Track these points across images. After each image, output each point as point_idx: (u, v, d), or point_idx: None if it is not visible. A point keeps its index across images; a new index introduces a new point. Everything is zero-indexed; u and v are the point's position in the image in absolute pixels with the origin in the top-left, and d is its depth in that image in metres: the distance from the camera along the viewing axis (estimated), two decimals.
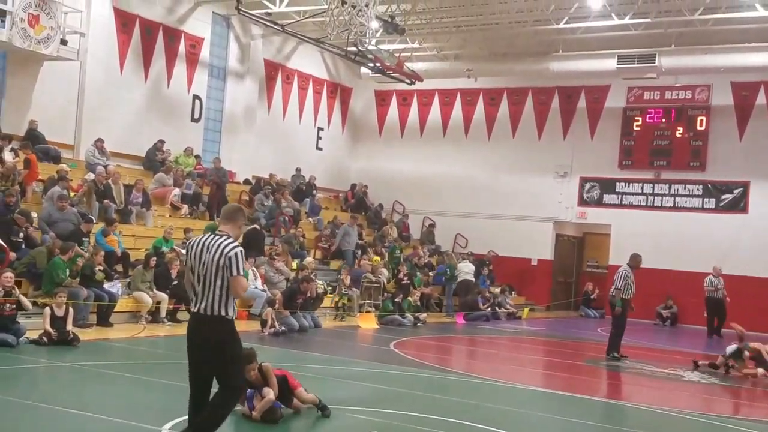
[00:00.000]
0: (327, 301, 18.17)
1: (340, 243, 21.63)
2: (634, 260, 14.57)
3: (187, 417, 6.05)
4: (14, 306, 11.06)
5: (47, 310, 11.51)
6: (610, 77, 24.27)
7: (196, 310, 5.83)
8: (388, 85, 27.42)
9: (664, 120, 24.82)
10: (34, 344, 11.01)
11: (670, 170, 24.62)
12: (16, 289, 11.42)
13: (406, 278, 20.27)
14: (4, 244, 13.23)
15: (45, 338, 11.14)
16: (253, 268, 16.90)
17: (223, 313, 5.79)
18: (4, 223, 13.81)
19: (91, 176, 17.36)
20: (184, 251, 5.83)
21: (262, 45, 24.63)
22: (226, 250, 5.82)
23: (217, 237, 5.91)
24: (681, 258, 23.74)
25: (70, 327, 11.53)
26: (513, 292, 24.53)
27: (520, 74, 25.36)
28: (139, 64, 20.98)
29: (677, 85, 24.46)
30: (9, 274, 11.41)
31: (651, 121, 24.97)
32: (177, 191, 19.42)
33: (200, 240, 5.95)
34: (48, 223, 14.84)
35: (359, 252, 21.67)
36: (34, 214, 14.75)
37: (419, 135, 28.33)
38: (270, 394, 7.41)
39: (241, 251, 5.86)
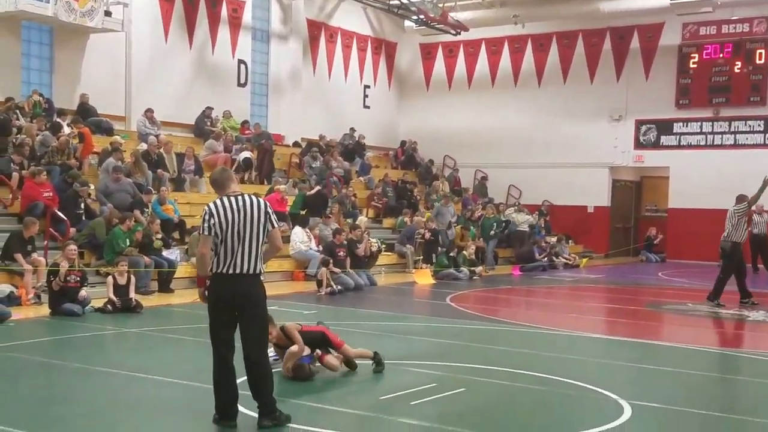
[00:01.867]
0: (382, 259, 18.23)
1: (435, 222, 20.73)
2: (743, 200, 13.93)
3: (217, 384, 5.93)
4: (78, 278, 11.35)
5: (110, 279, 11.77)
6: (663, 14, 23.47)
7: (236, 271, 5.71)
8: (433, 38, 27.03)
9: (721, 55, 23.96)
10: (99, 312, 11.29)
11: (729, 107, 23.84)
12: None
13: (430, 235, 19.41)
14: (64, 217, 13.55)
15: (109, 306, 11.41)
16: (307, 230, 17.00)
17: (259, 270, 5.83)
18: (65, 198, 14.13)
19: (144, 146, 17.58)
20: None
21: (303, 4, 24.45)
22: (263, 206, 5.88)
23: (241, 196, 5.85)
24: None
25: (132, 294, 11.79)
26: (570, 241, 24.20)
27: (569, 17, 24.68)
28: (183, 32, 21.06)
29: (734, 18, 23.52)
30: (73, 247, 11.70)
31: (708, 57, 24.12)
32: (246, 154, 19.55)
33: (224, 203, 5.79)
34: (105, 194, 15.12)
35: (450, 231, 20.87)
36: (91, 186, 15.05)
37: (467, 87, 27.92)
38: (294, 348, 7.42)
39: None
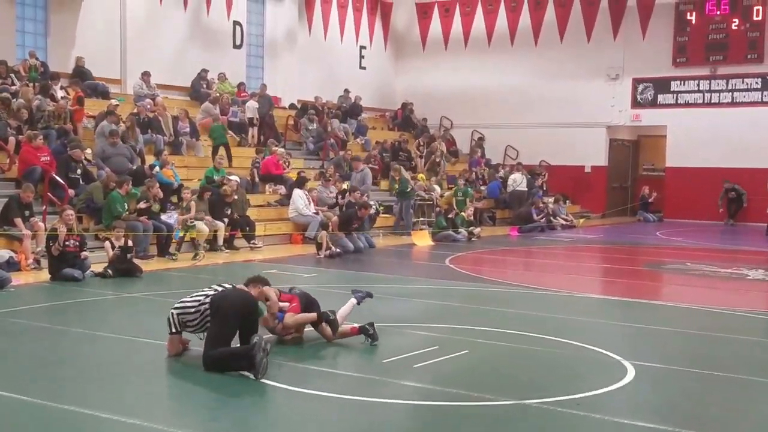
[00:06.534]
0: (380, 221, 18.24)
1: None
2: None
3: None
4: (78, 242, 11.33)
5: (107, 244, 11.76)
6: None
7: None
8: None
9: (718, 12, 23.78)
10: (99, 277, 11.29)
11: (726, 65, 23.74)
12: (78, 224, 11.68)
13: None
14: (62, 182, 13.49)
15: (109, 271, 11.40)
16: (306, 192, 16.94)
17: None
18: (62, 162, 14.05)
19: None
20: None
21: None
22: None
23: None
24: (741, 155, 23.12)
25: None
26: (567, 202, 24.24)
27: None
28: None
29: None
30: (70, 212, 11.62)
31: (705, 14, 23.96)
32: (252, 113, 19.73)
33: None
34: (102, 158, 15.03)
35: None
36: (88, 150, 14.96)
37: (464, 47, 27.67)
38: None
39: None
